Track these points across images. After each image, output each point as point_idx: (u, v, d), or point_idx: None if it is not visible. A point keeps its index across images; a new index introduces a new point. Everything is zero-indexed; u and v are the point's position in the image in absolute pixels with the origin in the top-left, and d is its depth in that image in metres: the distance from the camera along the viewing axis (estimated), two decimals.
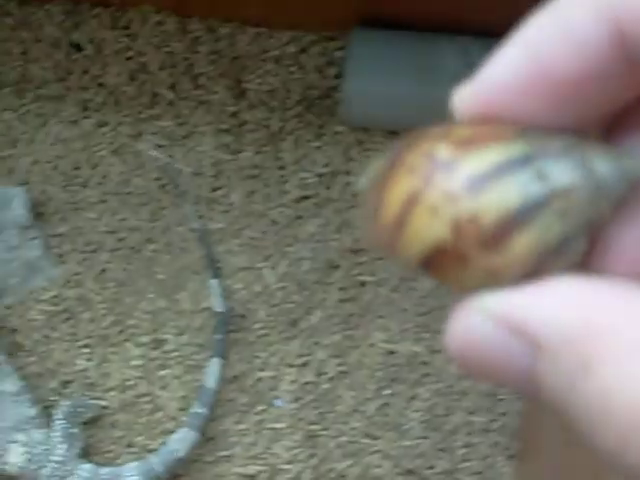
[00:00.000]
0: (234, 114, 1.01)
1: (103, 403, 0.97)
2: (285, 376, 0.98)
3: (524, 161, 0.20)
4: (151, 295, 0.99)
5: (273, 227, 1.00)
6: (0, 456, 0.90)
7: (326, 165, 1.00)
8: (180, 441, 0.94)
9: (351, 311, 0.99)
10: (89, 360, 0.98)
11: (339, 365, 0.99)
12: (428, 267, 0.21)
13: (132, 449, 0.97)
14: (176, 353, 0.98)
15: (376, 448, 0.98)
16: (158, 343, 0.99)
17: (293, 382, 0.98)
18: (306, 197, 1.00)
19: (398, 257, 0.22)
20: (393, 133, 0.99)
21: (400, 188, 0.21)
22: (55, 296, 0.98)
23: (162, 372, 0.98)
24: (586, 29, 0.19)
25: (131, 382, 0.98)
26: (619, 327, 0.18)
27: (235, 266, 0.99)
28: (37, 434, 0.91)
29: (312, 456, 0.97)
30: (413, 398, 0.99)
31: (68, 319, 0.98)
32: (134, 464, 0.93)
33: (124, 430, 0.98)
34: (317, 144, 1.01)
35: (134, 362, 0.98)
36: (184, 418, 0.96)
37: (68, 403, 0.93)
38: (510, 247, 0.20)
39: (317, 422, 0.98)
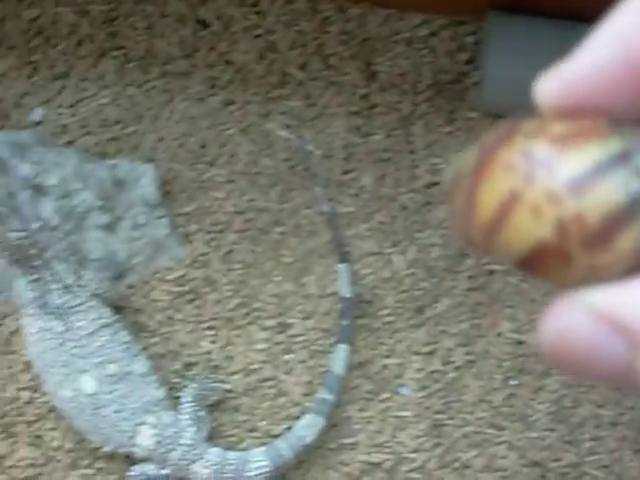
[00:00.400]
0: (365, 96, 0.99)
1: (227, 386, 0.96)
2: (411, 364, 0.97)
3: (622, 158, 0.20)
4: (277, 278, 0.98)
5: (403, 212, 0.98)
6: (130, 438, 0.88)
7: (457, 151, 0.99)
8: (307, 427, 0.92)
9: (479, 300, 0.98)
10: (213, 342, 0.97)
11: (466, 354, 0.97)
12: (528, 265, 0.21)
13: (255, 434, 0.96)
14: (301, 338, 0.97)
15: (502, 439, 0.97)
16: (283, 327, 0.97)
17: (419, 370, 0.97)
18: (436, 183, 0.98)
19: (494, 255, 0.22)
20: None
21: (497, 187, 0.21)
22: (181, 276, 0.97)
23: (287, 356, 0.97)
24: None
25: (255, 366, 0.96)
26: None
27: (363, 251, 0.98)
28: (166, 416, 0.89)
29: (437, 445, 0.96)
30: (540, 389, 0.97)
31: (193, 300, 0.97)
32: (262, 449, 0.91)
33: (247, 414, 0.96)
34: (448, 129, 0.99)
35: (259, 346, 0.97)
36: (309, 404, 0.95)
37: (195, 386, 0.92)
38: (615, 244, 0.20)
39: (443, 411, 0.96)
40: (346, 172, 0.98)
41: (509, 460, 0.96)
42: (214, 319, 0.97)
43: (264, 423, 0.96)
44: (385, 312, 0.97)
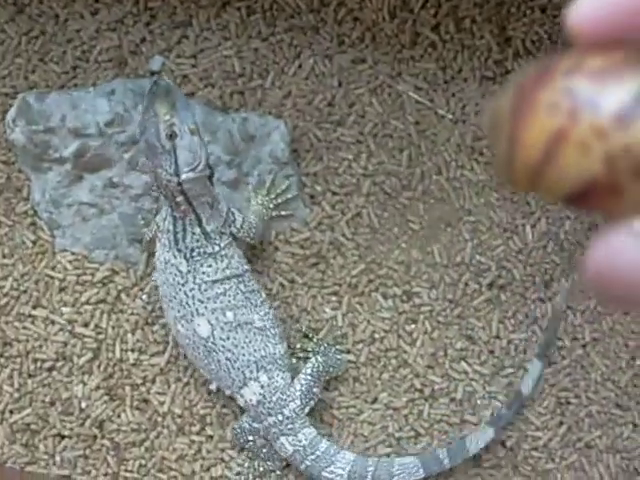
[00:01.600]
0: (499, 62, 0.96)
1: (349, 357, 0.92)
2: (538, 339, 0.94)
3: None
4: (404, 245, 0.94)
5: None
6: (239, 387, 0.86)
7: None
8: (476, 439, 0.89)
9: None
10: (336, 309, 0.93)
11: (592, 332, 0.95)
12: (578, 200, 0.21)
13: (376, 405, 0.92)
14: (426, 308, 0.93)
15: (627, 420, 0.94)
16: (408, 296, 0.94)
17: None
18: None
19: (539, 193, 0.22)
20: None
21: (541, 126, 0.21)
22: (305, 239, 0.93)
23: (411, 326, 0.93)
24: None
25: (378, 335, 0.93)
26: None
27: (494, 221, 0.95)
28: (279, 379, 0.85)
29: (561, 424, 0.93)
30: None
31: (317, 264, 0.93)
32: (352, 456, 0.87)
33: (368, 385, 0.92)
34: None
35: (383, 314, 0.93)
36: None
37: (321, 359, 0.88)
38: None
39: (568, 389, 0.94)
40: (478, 139, 0.95)
41: (634, 442, 0.94)
42: (338, 284, 0.93)
43: (385, 395, 0.92)
44: (513, 285, 0.94)
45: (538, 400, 0.93)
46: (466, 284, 0.94)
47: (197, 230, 0.81)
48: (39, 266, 0.92)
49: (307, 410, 0.87)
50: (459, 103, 0.95)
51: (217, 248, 0.83)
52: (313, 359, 0.87)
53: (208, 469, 0.91)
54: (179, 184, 0.78)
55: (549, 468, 0.93)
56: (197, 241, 0.82)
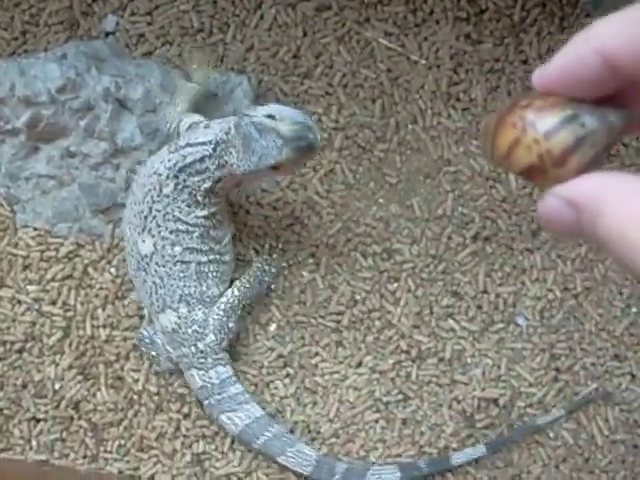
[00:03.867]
0: (473, 1, 0.90)
1: (330, 323, 0.88)
2: (527, 291, 0.90)
3: (573, 118, 0.36)
4: (381, 200, 0.89)
5: None
6: (156, 312, 0.83)
7: None
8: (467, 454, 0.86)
9: None
10: (313, 272, 0.88)
11: (584, 280, 0.90)
12: (524, 175, 0.37)
13: (360, 369, 0.88)
14: (409, 265, 0.89)
15: (624, 370, 0.90)
16: (389, 253, 0.89)
17: (536, 298, 0.90)
18: None
19: (505, 169, 0.41)
20: None
21: (507, 135, 0.37)
22: (277, 200, 0.88)
23: (393, 285, 0.89)
24: (589, 55, 0.35)
25: (360, 296, 0.88)
26: (611, 190, 0.33)
27: (475, 170, 0.90)
28: (200, 313, 0.83)
29: (556, 379, 0.89)
30: None
31: (291, 225, 0.88)
32: (258, 412, 0.85)
33: (352, 349, 0.88)
34: (561, 37, 0.91)
35: (363, 274, 0.89)
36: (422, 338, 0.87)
37: (237, 292, 0.84)
38: (568, 164, 0.35)
39: (562, 342, 0.89)
40: (455, 83, 0.90)
41: (632, 393, 0.90)
42: (314, 246, 0.88)
43: (369, 358, 0.88)
44: (498, 236, 0.90)
45: (530, 356, 0.89)
46: (449, 237, 0.89)
47: (205, 186, 0.76)
48: (1, 244, 0.88)
49: (224, 345, 0.84)
50: (432, 47, 0.90)
51: (207, 209, 0.78)
52: (229, 292, 0.83)
53: (190, 446, 0.87)
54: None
55: (545, 425, 0.89)
56: (196, 189, 0.76)
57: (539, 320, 0.89)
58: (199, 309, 0.82)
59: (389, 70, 0.89)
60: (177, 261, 0.80)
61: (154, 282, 0.81)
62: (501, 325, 0.89)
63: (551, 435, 0.88)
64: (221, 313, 0.83)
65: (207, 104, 0.85)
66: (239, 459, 0.86)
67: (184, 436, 0.87)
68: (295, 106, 0.88)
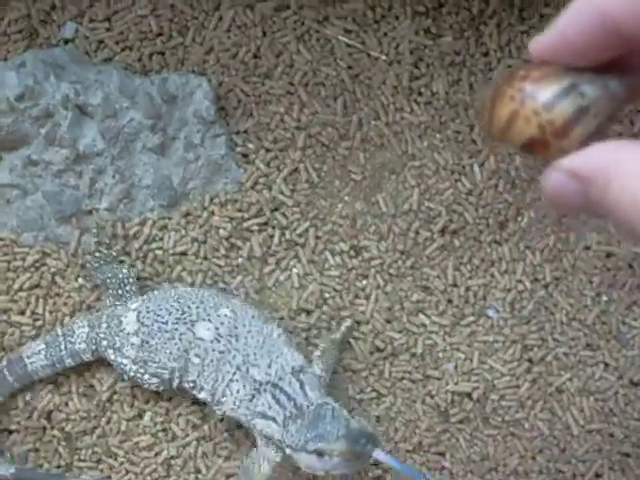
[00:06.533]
0: None
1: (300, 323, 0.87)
2: (497, 284, 0.89)
3: (572, 87, 0.35)
4: (347, 197, 0.89)
5: (480, 120, 0.90)
6: None
7: None
8: None
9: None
10: (284, 270, 0.88)
11: (554, 270, 0.90)
12: (526, 149, 0.36)
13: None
14: (377, 261, 0.89)
15: (597, 360, 0.90)
16: (357, 250, 0.89)
17: (505, 290, 0.89)
18: None
19: (505, 145, 0.37)
20: None
21: (506, 108, 0.36)
22: (242, 200, 0.87)
23: (362, 282, 0.89)
24: (589, 19, 0.34)
25: (329, 294, 0.88)
26: (622, 158, 0.33)
27: (439, 163, 0.89)
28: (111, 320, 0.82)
29: (529, 371, 0.89)
30: (634, 304, 0.91)
31: (258, 225, 0.88)
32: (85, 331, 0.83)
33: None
34: (522, 28, 0.91)
35: (331, 272, 0.88)
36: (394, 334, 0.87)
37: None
38: (570, 135, 0.35)
39: (533, 333, 0.89)
40: (416, 78, 0.90)
41: (606, 382, 0.89)
42: (282, 246, 0.88)
43: (341, 356, 0.88)
44: (466, 229, 0.89)
45: (502, 348, 0.89)
46: (416, 232, 0.89)
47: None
48: None
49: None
50: (392, 43, 0.89)
51: None
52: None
53: (160, 453, 0.87)
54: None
55: (520, 417, 0.88)
56: None
57: (510, 312, 0.89)
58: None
59: (350, 67, 0.89)
60: None
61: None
62: (472, 318, 0.89)
63: (526, 426, 0.88)
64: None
65: (167, 107, 0.85)
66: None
67: (157, 443, 0.87)
68: (256, 106, 0.88)
